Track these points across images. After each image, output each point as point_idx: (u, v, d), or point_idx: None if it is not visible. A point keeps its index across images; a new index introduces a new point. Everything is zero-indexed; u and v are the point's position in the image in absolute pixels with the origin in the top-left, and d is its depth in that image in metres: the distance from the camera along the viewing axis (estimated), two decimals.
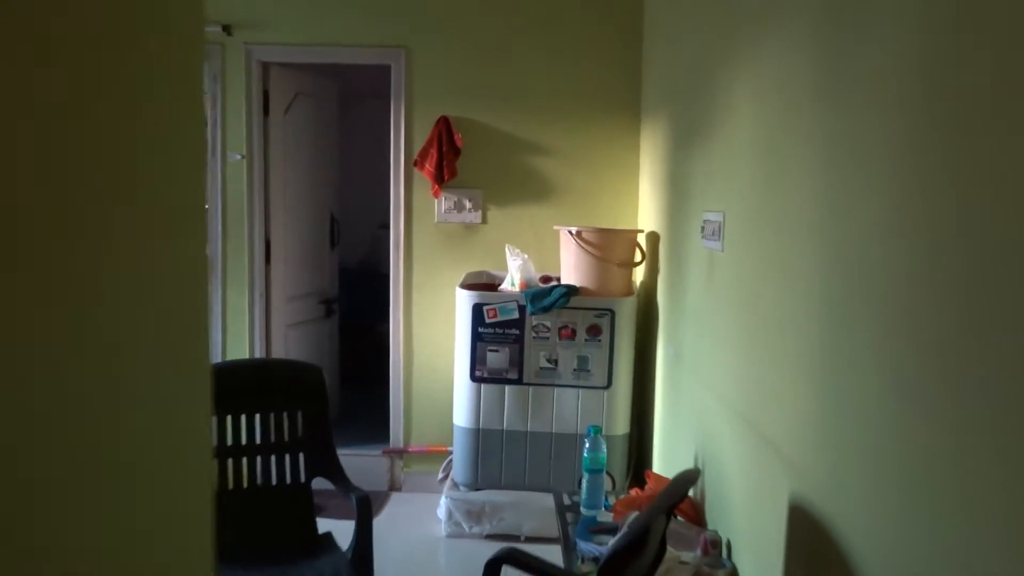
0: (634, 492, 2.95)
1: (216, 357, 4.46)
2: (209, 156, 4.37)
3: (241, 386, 2.95)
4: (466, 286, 3.91)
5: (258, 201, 4.42)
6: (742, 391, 2.25)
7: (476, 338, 3.75)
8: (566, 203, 4.32)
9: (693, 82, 3.04)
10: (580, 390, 3.72)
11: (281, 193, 4.59)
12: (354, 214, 6.17)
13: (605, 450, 2.84)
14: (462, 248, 4.36)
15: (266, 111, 4.45)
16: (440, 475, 4.30)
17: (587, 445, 2.82)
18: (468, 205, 4.34)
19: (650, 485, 2.93)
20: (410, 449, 4.46)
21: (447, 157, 4.19)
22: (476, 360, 3.76)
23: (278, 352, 4.62)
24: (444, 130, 4.21)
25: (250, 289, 4.44)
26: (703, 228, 2.73)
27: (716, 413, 2.56)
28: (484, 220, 4.35)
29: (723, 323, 2.50)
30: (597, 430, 2.83)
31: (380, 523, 4.09)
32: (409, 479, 4.49)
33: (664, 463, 3.43)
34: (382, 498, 4.39)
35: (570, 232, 3.74)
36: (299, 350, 4.80)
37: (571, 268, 3.80)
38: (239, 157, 4.35)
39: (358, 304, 6.18)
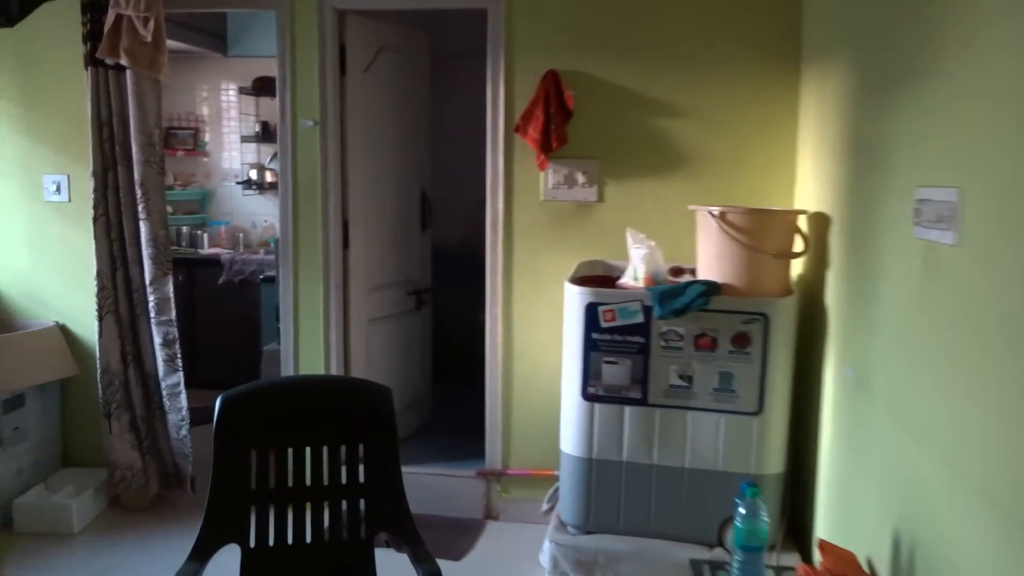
0: (802, 571, 2.19)
1: (288, 360, 3.92)
2: (279, 123, 3.80)
3: (283, 412, 2.36)
4: (577, 280, 3.20)
5: (334, 175, 3.83)
6: (1008, 471, 1.45)
7: (589, 346, 3.03)
8: (702, 177, 3.53)
9: (894, 4, 2.20)
10: (722, 416, 2.95)
11: (361, 166, 3.99)
12: (452, 188, 5.57)
13: (766, 518, 2.08)
14: (573, 232, 3.64)
15: (343, 69, 3.84)
16: (545, 505, 3.63)
17: (740, 511, 2.07)
18: (581, 179, 3.61)
19: (827, 565, 2.15)
20: (509, 472, 3.81)
21: (555, 120, 3.47)
22: (589, 374, 3.05)
23: (358, 351, 4.05)
24: (552, 87, 3.49)
25: (325, 278, 3.87)
26: (918, 211, 1.92)
27: (940, 483, 1.77)
28: (600, 197, 3.62)
29: (959, 354, 1.69)
30: (755, 492, 2.08)
31: (472, 563, 3.48)
32: (508, 507, 3.84)
33: (835, 525, 2.63)
34: (476, 528, 3.76)
35: (711, 213, 2.96)
36: (383, 349, 4.22)
37: (711, 259, 3.03)
38: (311, 124, 3.76)
39: (456, 291, 5.57)
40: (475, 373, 3.91)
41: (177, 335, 3.77)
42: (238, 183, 6.32)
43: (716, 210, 2.96)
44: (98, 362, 3.78)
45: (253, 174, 6.24)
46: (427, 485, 3.87)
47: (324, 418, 2.38)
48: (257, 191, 6.27)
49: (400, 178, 4.33)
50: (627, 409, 3.04)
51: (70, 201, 3.95)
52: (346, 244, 3.94)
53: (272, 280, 4.96)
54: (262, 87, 6.12)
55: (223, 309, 5.69)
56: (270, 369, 4.34)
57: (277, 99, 3.80)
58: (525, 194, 3.67)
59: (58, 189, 3.95)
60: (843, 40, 2.79)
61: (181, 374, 3.79)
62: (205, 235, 6.14)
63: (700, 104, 3.50)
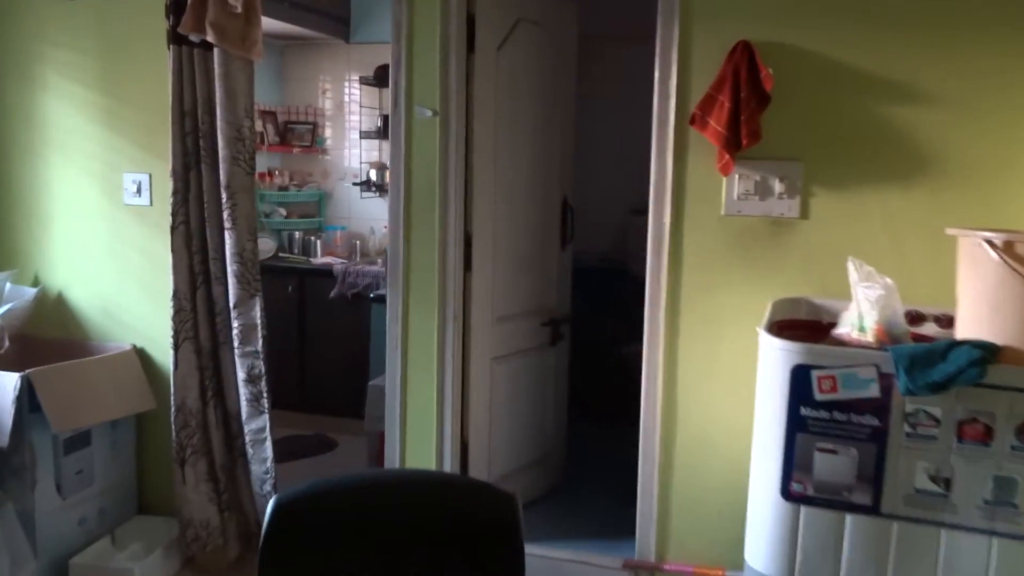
0: None
1: (394, 402, 3.27)
2: (391, 112, 3.15)
3: (362, 526, 1.67)
4: (777, 327, 2.38)
5: (455, 178, 3.16)
6: None
7: (795, 424, 2.21)
8: (954, 188, 2.63)
9: None
10: (996, 540, 2.08)
11: (490, 166, 3.32)
12: (599, 194, 4.85)
13: None
14: (764, 257, 2.81)
15: (471, 46, 3.16)
16: None
17: None
18: (778, 187, 2.77)
19: None
20: (666, 567, 3.01)
21: (746, 108, 2.65)
22: (794, 464, 2.23)
23: (479, 396, 3.37)
24: (743, 65, 2.68)
25: (441, 306, 3.20)
26: None
27: None
28: (803, 213, 2.77)
29: None
30: None
31: None
32: None
33: None
34: None
35: (989, 243, 2.07)
36: (510, 391, 3.55)
37: (983, 308, 2.15)
38: (429, 114, 3.09)
39: (597, 315, 4.82)
40: (621, 414, 3.15)
41: (264, 370, 3.20)
42: (355, 184, 5.77)
43: (999, 238, 2.07)
44: (172, 399, 3.24)
45: (372, 174, 5.68)
46: (559, 573, 3.13)
47: (419, 535, 1.68)
48: (376, 193, 5.71)
49: (537, 183, 3.62)
50: (849, 518, 2.20)
51: (152, 204, 3.45)
52: (468, 265, 3.26)
53: (383, 300, 4.36)
54: (385, 77, 5.54)
55: (335, 325, 5.17)
56: (374, 411, 3.72)
57: (390, 83, 3.16)
58: (700, 206, 2.87)
59: (139, 190, 3.45)
60: None
61: (267, 417, 3.22)
62: (319, 242, 5.63)
63: (954, 88, 2.60)
